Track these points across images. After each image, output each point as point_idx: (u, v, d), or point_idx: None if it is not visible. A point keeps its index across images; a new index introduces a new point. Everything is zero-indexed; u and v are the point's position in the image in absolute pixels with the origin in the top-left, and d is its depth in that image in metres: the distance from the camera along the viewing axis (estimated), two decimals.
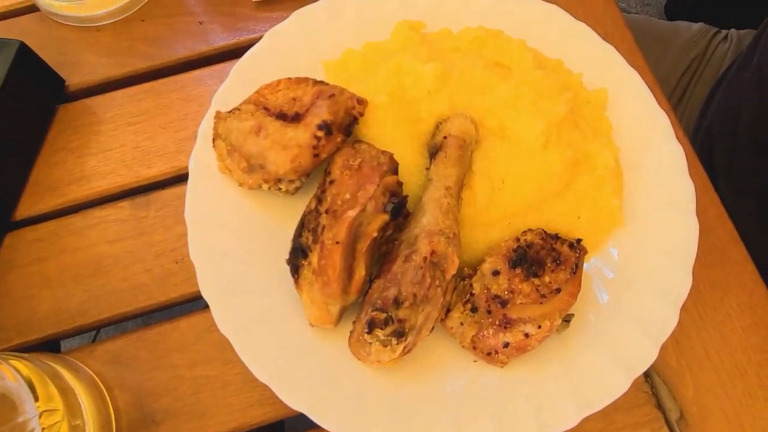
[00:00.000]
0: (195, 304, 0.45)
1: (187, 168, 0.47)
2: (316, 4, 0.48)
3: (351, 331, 0.39)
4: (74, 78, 0.51)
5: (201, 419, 0.41)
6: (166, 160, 0.48)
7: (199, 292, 0.43)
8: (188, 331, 0.43)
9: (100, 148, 0.48)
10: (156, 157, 0.48)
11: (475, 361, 0.40)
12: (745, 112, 0.64)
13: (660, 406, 0.41)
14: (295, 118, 0.41)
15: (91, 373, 0.41)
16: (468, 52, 0.45)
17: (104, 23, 0.52)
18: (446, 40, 0.47)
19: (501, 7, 0.48)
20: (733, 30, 0.84)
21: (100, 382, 0.41)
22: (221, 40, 0.52)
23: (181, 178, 0.47)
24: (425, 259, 0.37)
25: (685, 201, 0.42)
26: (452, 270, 0.38)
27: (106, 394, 0.41)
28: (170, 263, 0.45)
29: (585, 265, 0.41)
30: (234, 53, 0.48)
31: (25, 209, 0.47)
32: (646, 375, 0.42)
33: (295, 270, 0.40)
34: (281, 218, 0.43)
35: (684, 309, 0.39)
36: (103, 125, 0.49)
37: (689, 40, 0.84)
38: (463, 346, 0.40)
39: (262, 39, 0.47)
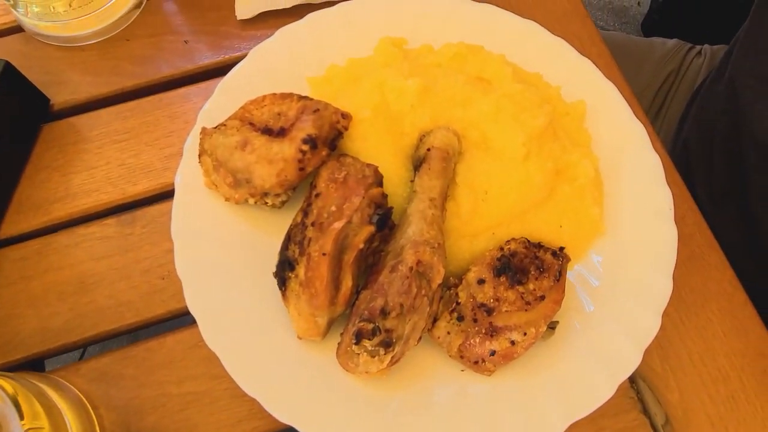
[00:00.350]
0: (182, 320, 0.44)
1: (173, 184, 0.47)
2: (299, 21, 0.49)
3: (339, 343, 0.40)
4: (59, 97, 0.51)
5: None
6: (152, 177, 0.48)
7: (186, 307, 0.43)
8: (175, 347, 0.43)
9: (85, 166, 0.48)
10: (142, 174, 0.48)
11: (462, 371, 0.40)
12: (720, 124, 0.66)
13: (646, 411, 0.42)
14: (281, 133, 0.42)
15: (77, 391, 0.41)
16: (449, 68, 0.46)
17: (89, 43, 0.53)
18: (428, 56, 0.48)
19: (480, 24, 0.49)
20: (706, 45, 0.87)
21: (86, 401, 0.41)
22: (206, 58, 0.53)
23: (167, 195, 0.47)
24: (411, 269, 0.38)
25: (664, 208, 0.43)
26: (438, 279, 0.38)
27: (92, 413, 0.41)
28: (157, 279, 0.45)
29: (569, 273, 0.42)
30: (219, 71, 0.48)
31: (9, 228, 0.46)
32: (632, 380, 0.43)
33: (282, 283, 0.40)
34: (268, 232, 0.43)
35: (666, 314, 0.40)
36: (88, 143, 0.49)
37: (664, 55, 0.86)
38: (450, 356, 0.40)
39: (247, 56, 0.47)
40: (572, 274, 0.42)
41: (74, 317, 0.44)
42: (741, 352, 0.43)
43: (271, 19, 0.52)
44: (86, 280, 0.45)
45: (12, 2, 0.50)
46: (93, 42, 0.53)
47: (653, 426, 0.41)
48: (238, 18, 0.53)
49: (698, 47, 0.87)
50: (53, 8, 0.49)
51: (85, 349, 0.54)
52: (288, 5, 0.52)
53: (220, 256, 0.42)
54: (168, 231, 0.45)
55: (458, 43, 0.48)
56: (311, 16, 0.49)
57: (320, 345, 0.40)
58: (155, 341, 0.43)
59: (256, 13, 0.53)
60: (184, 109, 0.50)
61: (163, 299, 0.44)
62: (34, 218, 0.47)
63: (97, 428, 0.40)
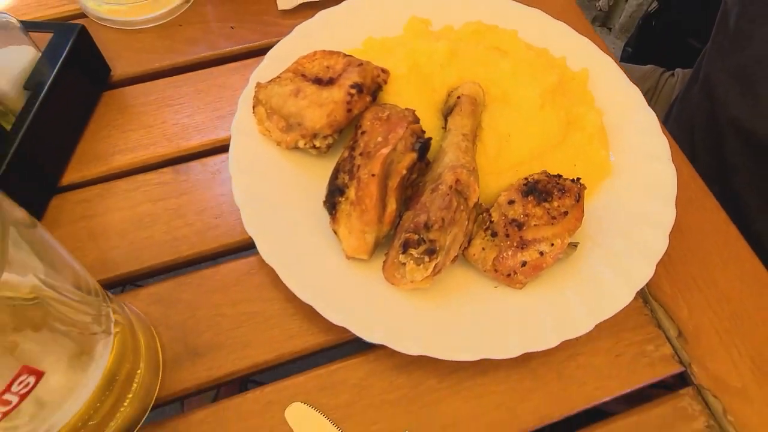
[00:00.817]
0: (235, 256, 0.48)
1: (224, 140, 0.52)
2: (337, 6, 0.56)
3: (384, 261, 0.44)
4: (118, 70, 0.56)
5: (243, 350, 0.43)
6: (205, 134, 0.53)
7: (238, 243, 0.48)
8: (229, 274, 0.46)
9: (142, 125, 0.53)
10: (195, 132, 0.53)
11: (495, 287, 0.45)
12: (699, 119, 0.74)
13: (660, 326, 0.46)
14: (329, 82, 0.48)
15: (137, 310, 0.44)
16: (470, 41, 0.54)
17: (146, 27, 0.59)
18: (450, 33, 0.55)
19: (493, 10, 0.57)
20: (678, 69, 0.97)
21: (146, 318, 0.43)
22: (251, 41, 0.59)
23: (219, 149, 0.52)
24: (450, 187, 0.43)
25: (663, 153, 0.50)
26: (474, 197, 0.43)
27: (153, 329, 0.43)
28: (211, 218, 0.49)
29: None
30: (263, 51, 0.55)
31: (71, 176, 0.50)
32: (645, 300, 0.47)
33: (333, 207, 0.44)
34: (315, 174, 0.48)
35: (671, 246, 0.46)
36: (146, 106, 0.54)
37: (641, 77, 0.96)
38: (484, 271, 0.44)
39: (291, 32, 0.54)
40: (587, 206, 0.48)
41: (133, 250, 0.47)
42: (739, 278, 0.48)
43: (309, 11, 0.58)
44: (144, 219, 0.48)
45: None
46: (149, 26, 0.59)
47: (667, 338, 0.45)
48: (279, 8, 0.60)
49: (671, 71, 0.97)
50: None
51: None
52: None
53: (272, 189, 0.47)
54: (220, 180, 0.50)
55: (476, 21, 0.55)
56: (348, 2, 0.56)
57: (367, 264, 0.44)
58: (210, 269, 0.47)
59: (296, 4, 0.60)
60: (233, 80, 0.56)
61: (216, 235, 0.48)
62: (95, 167, 0.51)
63: (158, 342, 0.43)
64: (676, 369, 0.44)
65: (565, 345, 0.43)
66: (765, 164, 0.64)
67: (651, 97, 0.94)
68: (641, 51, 1.19)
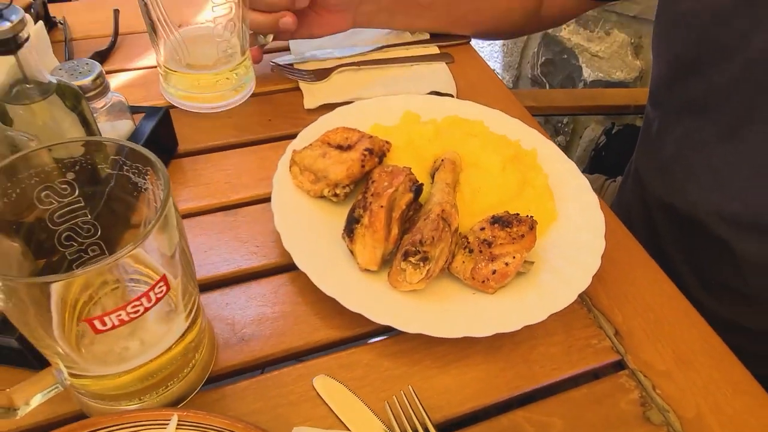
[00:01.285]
0: (271, 273, 0.62)
1: (264, 194, 0.68)
2: (351, 104, 0.76)
3: (389, 271, 0.58)
4: (183, 144, 0.74)
5: (279, 338, 0.56)
6: (250, 190, 0.69)
7: (273, 264, 0.62)
8: (267, 286, 0.60)
9: (199, 183, 0.69)
10: (242, 188, 0.69)
11: (473, 293, 0.59)
12: (633, 205, 0.93)
13: (601, 327, 0.59)
14: (348, 148, 0.66)
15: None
16: (449, 127, 0.73)
17: (206, 112, 0.78)
18: (434, 122, 0.74)
19: (465, 109, 0.77)
20: (620, 176, 1.18)
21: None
22: (284, 130, 0.78)
23: (260, 201, 0.68)
24: (438, 215, 0.59)
25: (594, 203, 0.67)
26: (455, 223, 0.59)
27: (209, 319, 0.56)
28: (252, 247, 0.63)
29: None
30: (294, 136, 0.73)
31: None
32: (589, 309, 0.61)
33: (351, 232, 0.60)
34: (336, 215, 0.64)
35: (607, 269, 0.61)
36: (203, 171, 0.71)
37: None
38: (464, 279, 0.59)
39: (316, 120, 0.73)
40: (539, 240, 0.63)
41: (200, 267, 0.61)
42: (659, 295, 0.63)
43: (328, 109, 0.78)
44: (201, 245, 0.63)
45: (164, 76, 0.76)
46: (209, 112, 0.78)
47: (607, 335, 0.59)
48: (306, 107, 0.80)
49: (614, 178, 1.19)
50: (193, 90, 0.75)
51: None
52: (341, 100, 0.80)
53: (303, 223, 0.62)
54: (261, 221, 0.66)
55: (453, 115, 0.75)
56: (359, 102, 0.76)
57: (376, 273, 0.59)
58: (252, 282, 0.60)
59: (319, 104, 0.80)
60: (270, 154, 0.73)
61: (257, 258, 0.62)
62: None
63: (213, 328, 0.55)
64: (615, 357, 0.57)
65: (529, 337, 0.57)
66: (683, 229, 0.82)
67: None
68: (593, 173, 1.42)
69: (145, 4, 0.68)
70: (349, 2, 0.83)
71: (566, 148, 2.17)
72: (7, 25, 0.46)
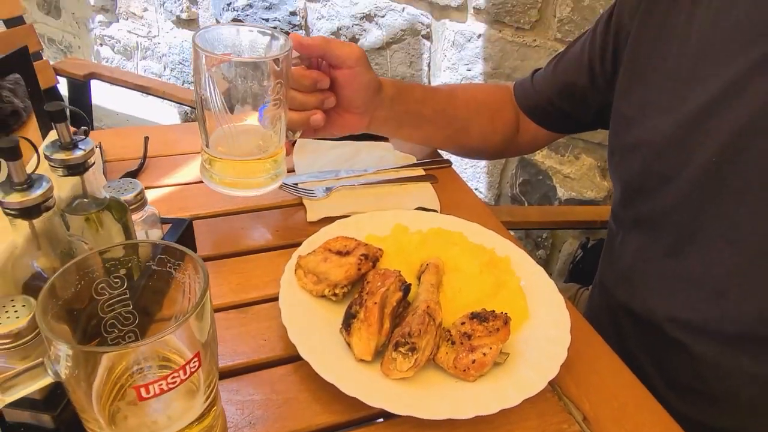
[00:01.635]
0: (276, 364, 0.69)
1: (273, 295, 0.78)
2: (348, 218, 0.88)
3: (382, 361, 0.66)
4: (201, 250, 0.84)
5: (284, 422, 0.62)
6: (259, 291, 0.78)
7: (278, 356, 0.70)
8: (272, 376, 0.67)
9: (214, 283, 0.79)
10: (252, 289, 0.79)
11: (456, 382, 0.66)
12: (601, 311, 1.02)
13: (570, 413, 0.67)
14: (347, 253, 0.76)
15: None
16: (433, 237, 0.84)
17: (223, 218, 0.89)
18: (420, 233, 0.86)
19: (447, 222, 0.89)
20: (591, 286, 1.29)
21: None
22: (290, 240, 0.89)
23: (269, 300, 0.77)
24: (424, 311, 0.68)
25: (560, 303, 0.76)
26: (438, 318, 0.68)
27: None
28: (260, 340, 0.71)
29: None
30: (298, 245, 0.84)
31: None
32: (560, 397, 0.68)
33: (348, 326, 0.68)
34: (334, 312, 0.73)
35: (575, 361, 0.70)
36: (219, 274, 0.80)
37: (562, 290, 1.27)
38: (447, 368, 0.66)
39: (318, 231, 0.84)
40: (513, 335, 0.72)
41: None
42: (622, 386, 0.71)
43: (329, 221, 0.90)
44: None
45: (208, 162, 0.85)
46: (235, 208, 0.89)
47: (576, 421, 0.66)
48: (308, 221, 0.92)
49: (587, 286, 1.29)
50: (236, 176, 0.85)
51: None
52: (339, 214, 0.92)
53: (306, 319, 0.71)
54: (269, 317, 0.75)
55: (437, 227, 0.87)
56: (355, 216, 0.88)
57: (370, 363, 0.67)
58: (260, 372, 0.68)
59: (320, 218, 0.92)
60: (277, 261, 0.83)
61: (265, 351, 0.70)
62: None
63: (224, 411, 0.62)
64: None
65: (505, 422, 0.64)
66: (646, 333, 0.90)
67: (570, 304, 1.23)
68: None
69: (202, 99, 0.79)
70: (368, 107, 0.93)
71: (547, 262, 2.29)
72: (81, 153, 0.58)
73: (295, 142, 0.94)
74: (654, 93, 0.85)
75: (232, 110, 0.81)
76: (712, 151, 0.76)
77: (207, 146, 0.84)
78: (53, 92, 1.75)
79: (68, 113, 0.58)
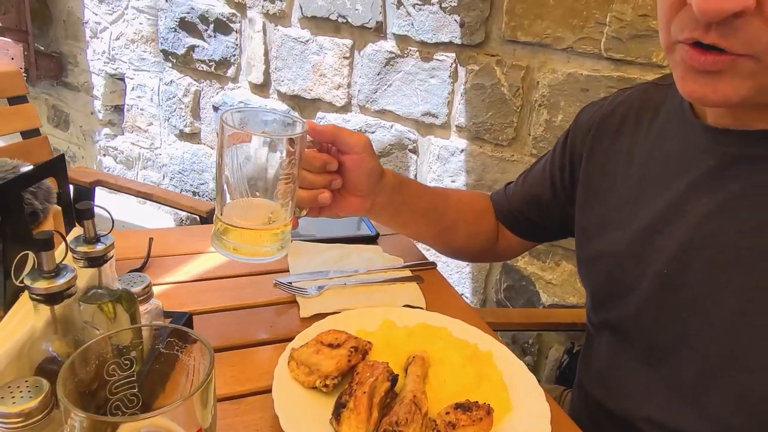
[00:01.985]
0: None
1: (266, 387, 0.81)
2: (339, 314, 0.93)
3: None
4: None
5: None
6: (253, 383, 0.82)
7: None
8: None
9: None
10: (246, 381, 0.82)
11: None
12: (580, 410, 1.05)
13: None
14: (337, 346, 0.81)
15: None
16: (419, 332, 0.89)
17: (219, 314, 0.93)
18: (407, 328, 0.91)
19: (432, 318, 0.95)
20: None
21: None
22: (284, 333, 0.93)
23: (262, 391, 0.80)
24: (410, 400, 0.72)
25: (540, 395, 0.80)
26: (424, 407, 0.72)
27: None
28: (253, 431, 0.74)
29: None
30: (291, 339, 0.89)
31: None
32: None
33: (338, 415, 0.71)
34: (324, 404, 0.76)
35: None
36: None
37: (547, 392, 1.30)
38: None
39: (310, 326, 0.89)
40: (496, 424, 0.76)
41: None
42: None
43: (321, 317, 0.95)
44: None
45: (221, 230, 0.88)
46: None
47: None
48: (301, 317, 0.97)
49: (570, 389, 1.31)
50: (247, 243, 0.88)
51: None
52: (331, 310, 0.97)
53: (298, 409, 0.74)
54: (262, 408, 0.78)
55: (423, 323, 0.92)
56: (346, 312, 0.94)
57: None
58: None
59: (312, 314, 0.97)
60: (272, 353, 0.87)
61: (258, 429, 0.73)
62: None
63: None
64: None
65: None
66: (622, 429, 0.92)
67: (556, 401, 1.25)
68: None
69: (222, 171, 0.83)
70: (370, 191, 0.99)
71: (535, 368, 2.29)
72: (102, 246, 0.65)
73: (299, 216, 0.98)
74: (609, 210, 0.94)
75: (248, 183, 0.87)
76: (661, 264, 0.83)
77: (221, 215, 0.87)
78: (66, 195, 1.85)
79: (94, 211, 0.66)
